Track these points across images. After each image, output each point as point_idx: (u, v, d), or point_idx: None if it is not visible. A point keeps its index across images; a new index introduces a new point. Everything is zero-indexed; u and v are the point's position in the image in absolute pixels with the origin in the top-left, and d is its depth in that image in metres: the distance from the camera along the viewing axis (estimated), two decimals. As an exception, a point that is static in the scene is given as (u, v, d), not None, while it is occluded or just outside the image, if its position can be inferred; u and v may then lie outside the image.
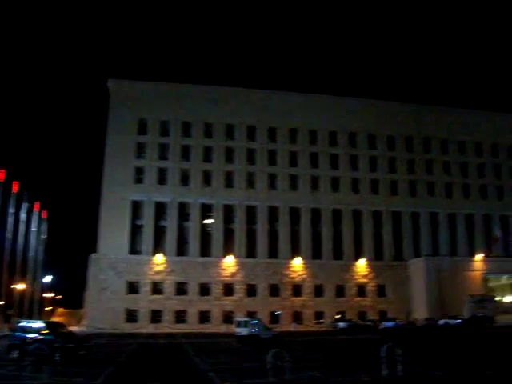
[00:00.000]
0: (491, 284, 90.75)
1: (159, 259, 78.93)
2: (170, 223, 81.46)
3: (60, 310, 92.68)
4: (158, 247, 79.93)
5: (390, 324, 71.15)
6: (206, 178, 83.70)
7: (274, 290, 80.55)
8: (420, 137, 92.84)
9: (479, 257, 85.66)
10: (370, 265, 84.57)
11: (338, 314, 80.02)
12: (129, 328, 69.83)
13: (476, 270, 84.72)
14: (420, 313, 79.17)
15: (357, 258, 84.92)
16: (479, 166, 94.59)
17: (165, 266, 78.85)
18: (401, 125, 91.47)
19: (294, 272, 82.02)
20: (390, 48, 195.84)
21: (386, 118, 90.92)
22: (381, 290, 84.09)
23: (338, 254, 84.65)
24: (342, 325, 71.95)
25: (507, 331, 54.61)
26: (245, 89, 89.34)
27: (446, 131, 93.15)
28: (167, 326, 72.14)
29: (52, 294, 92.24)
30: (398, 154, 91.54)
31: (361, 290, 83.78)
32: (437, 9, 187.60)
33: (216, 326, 72.92)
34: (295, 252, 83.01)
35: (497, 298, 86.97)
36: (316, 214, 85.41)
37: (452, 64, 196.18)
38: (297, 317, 79.21)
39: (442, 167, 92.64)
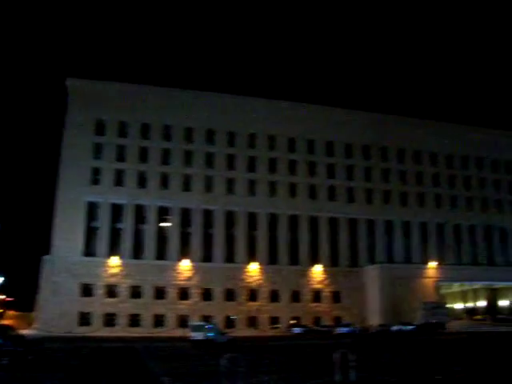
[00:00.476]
0: (443, 291, 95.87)
1: (114, 262, 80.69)
2: (126, 226, 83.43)
3: (11, 312, 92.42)
4: (113, 250, 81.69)
5: (344, 330, 73.62)
6: (164, 181, 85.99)
7: (230, 295, 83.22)
8: (377, 145, 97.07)
9: (432, 264, 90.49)
10: (325, 271, 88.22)
11: (293, 319, 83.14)
12: (82, 331, 70.99)
13: (429, 278, 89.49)
14: (374, 319, 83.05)
15: (313, 263, 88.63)
16: (434, 176, 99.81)
17: (120, 268, 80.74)
18: (359, 133, 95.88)
19: (250, 277, 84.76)
20: (349, 55, 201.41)
21: (344, 125, 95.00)
22: (336, 296, 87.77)
23: (294, 259, 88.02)
24: (297, 330, 75.69)
25: (457, 337, 58.59)
26: (205, 92, 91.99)
27: (403, 141, 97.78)
28: (121, 330, 73.79)
29: (3, 296, 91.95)
30: (356, 161, 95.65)
31: (316, 295, 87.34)
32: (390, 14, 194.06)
33: (171, 330, 74.58)
34: (252, 257, 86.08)
35: (448, 305, 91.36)
36: (273, 220, 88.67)
37: (411, 74, 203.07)
38: (252, 322, 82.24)
39: (398, 176, 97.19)
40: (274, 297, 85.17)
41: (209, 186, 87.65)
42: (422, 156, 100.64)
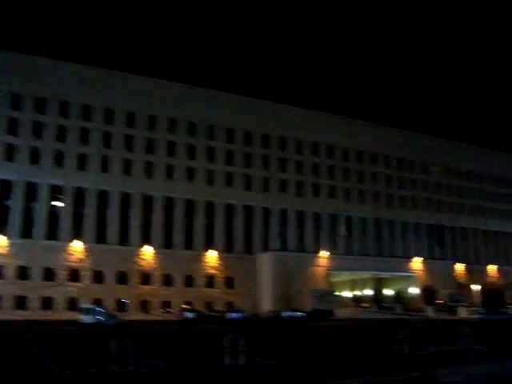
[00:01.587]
0: (333, 280, 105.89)
1: (1, 241, 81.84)
2: (15, 203, 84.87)
3: None
4: (0, 229, 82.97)
5: (236, 315, 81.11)
6: (58, 159, 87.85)
7: (123, 278, 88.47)
8: (277, 135, 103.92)
9: (324, 254, 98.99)
10: (220, 256, 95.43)
11: (186, 303, 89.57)
12: (-36, 314, 72.16)
13: (320, 266, 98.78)
14: (266, 305, 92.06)
15: (208, 249, 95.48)
16: (330, 168, 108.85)
17: (7, 248, 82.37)
18: (259, 121, 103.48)
19: (144, 260, 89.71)
20: (249, 43, 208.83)
21: (245, 113, 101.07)
22: (229, 282, 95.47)
23: (189, 244, 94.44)
24: (189, 315, 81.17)
25: (343, 324, 66.56)
26: (105, 70, 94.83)
27: (302, 132, 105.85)
28: (6, 313, 75.70)
29: None
30: (255, 149, 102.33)
31: (210, 280, 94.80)
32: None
33: (60, 313, 78.42)
34: (146, 240, 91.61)
35: (337, 293, 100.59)
36: (169, 204, 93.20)
37: (316, 67, 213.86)
38: (145, 306, 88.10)
39: (295, 166, 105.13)
40: (168, 281, 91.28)
41: (105, 167, 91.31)
42: (320, 148, 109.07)
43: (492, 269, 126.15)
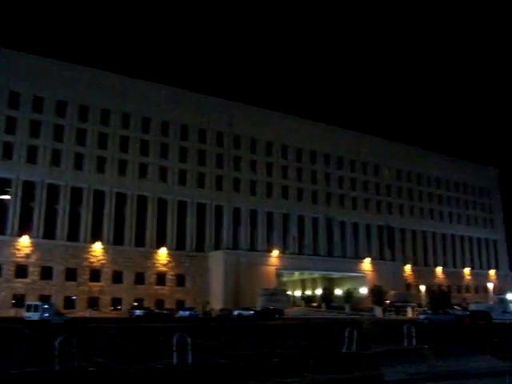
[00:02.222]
0: (284, 279, 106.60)
1: None
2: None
3: None
4: None
5: (186, 313, 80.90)
6: (7, 151, 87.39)
7: (71, 274, 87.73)
8: (231, 133, 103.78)
9: (275, 253, 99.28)
10: (171, 254, 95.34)
11: (136, 301, 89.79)
12: None
13: (272, 265, 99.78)
14: (217, 303, 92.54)
15: (159, 246, 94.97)
16: (283, 168, 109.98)
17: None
18: (212, 119, 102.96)
19: (94, 257, 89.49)
20: (209, 41, 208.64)
21: (200, 110, 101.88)
22: (180, 280, 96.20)
23: (140, 241, 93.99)
24: (138, 312, 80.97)
25: (292, 322, 67.64)
26: (54, 60, 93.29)
27: (255, 131, 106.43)
28: None
29: None
30: (208, 147, 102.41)
31: (160, 278, 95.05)
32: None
33: (5, 310, 76.65)
34: (97, 236, 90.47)
35: (288, 292, 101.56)
36: (121, 200, 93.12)
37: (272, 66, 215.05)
38: (93, 303, 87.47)
39: (248, 165, 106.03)
40: (118, 278, 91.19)
41: (56, 160, 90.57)
42: (273, 148, 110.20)
43: (439, 270, 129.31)
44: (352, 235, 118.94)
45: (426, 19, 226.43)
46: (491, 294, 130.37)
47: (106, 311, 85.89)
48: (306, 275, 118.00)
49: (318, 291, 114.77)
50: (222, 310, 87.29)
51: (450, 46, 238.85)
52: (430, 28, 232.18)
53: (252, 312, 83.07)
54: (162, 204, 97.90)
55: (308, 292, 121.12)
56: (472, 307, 75.17)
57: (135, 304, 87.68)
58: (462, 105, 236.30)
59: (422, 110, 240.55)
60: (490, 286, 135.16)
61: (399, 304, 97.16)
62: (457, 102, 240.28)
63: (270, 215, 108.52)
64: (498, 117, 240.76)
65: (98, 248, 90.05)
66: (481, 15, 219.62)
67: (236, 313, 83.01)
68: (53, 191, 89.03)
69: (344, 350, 26.46)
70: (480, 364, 22.30)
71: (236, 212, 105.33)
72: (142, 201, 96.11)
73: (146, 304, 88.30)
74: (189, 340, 21.72)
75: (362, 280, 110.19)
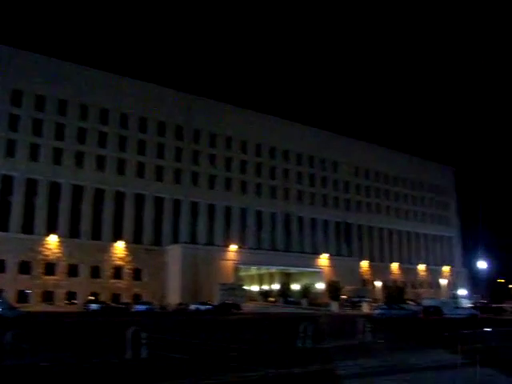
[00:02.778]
0: (242, 273, 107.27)
1: None
2: None
3: None
4: None
5: (142, 307, 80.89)
6: None
7: (26, 268, 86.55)
8: (190, 127, 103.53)
9: (233, 248, 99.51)
10: (128, 247, 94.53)
11: (92, 295, 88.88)
12: None
13: (229, 260, 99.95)
14: (174, 298, 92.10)
15: (116, 239, 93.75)
16: (242, 163, 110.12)
17: None
18: (173, 112, 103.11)
19: (49, 249, 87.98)
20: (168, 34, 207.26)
21: (159, 103, 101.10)
22: (137, 274, 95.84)
23: (97, 234, 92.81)
24: (94, 306, 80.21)
25: (248, 317, 68.00)
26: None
27: (215, 125, 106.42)
28: None
29: None
30: (168, 140, 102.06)
31: (117, 272, 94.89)
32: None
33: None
34: (52, 229, 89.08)
35: (245, 287, 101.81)
36: (78, 192, 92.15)
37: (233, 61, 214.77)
38: (48, 296, 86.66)
39: (207, 159, 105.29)
40: (73, 271, 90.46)
41: (10, 151, 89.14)
42: (233, 142, 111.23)
43: (395, 266, 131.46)
44: (310, 231, 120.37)
45: (391, 15, 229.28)
46: (445, 289, 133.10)
47: (61, 305, 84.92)
48: (264, 270, 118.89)
49: (276, 286, 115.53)
50: (179, 304, 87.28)
51: (408, 46, 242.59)
52: (389, 22, 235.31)
53: (209, 306, 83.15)
54: (119, 197, 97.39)
55: (265, 287, 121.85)
56: (425, 303, 76.65)
57: (91, 298, 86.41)
58: (421, 104, 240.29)
59: (382, 108, 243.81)
60: (444, 282, 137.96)
61: (355, 299, 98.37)
62: (415, 102, 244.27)
63: (228, 210, 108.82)
64: (454, 116, 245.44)
65: (53, 241, 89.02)
66: (441, 15, 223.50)
67: (193, 307, 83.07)
68: (6, 183, 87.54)
69: (299, 345, 26.68)
70: (431, 358, 22.86)
71: (194, 206, 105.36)
72: (99, 193, 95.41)
73: (102, 298, 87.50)
74: (143, 334, 21.67)
75: (319, 275, 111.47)
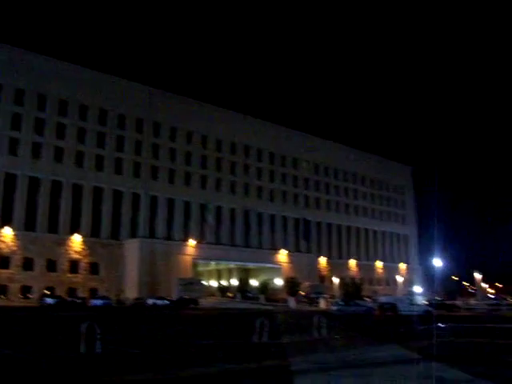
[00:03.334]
0: (201, 268, 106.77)
1: None
2: None
3: None
4: None
5: (99, 302, 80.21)
6: None
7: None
8: (151, 120, 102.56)
9: (192, 242, 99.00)
10: (85, 241, 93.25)
11: (47, 289, 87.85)
12: None
13: (188, 255, 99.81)
14: (131, 292, 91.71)
15: (73, 233, 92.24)
16: (203, 158, 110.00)
17: None
18: (133, 105, 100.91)
19: (3, 242, 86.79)
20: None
21: (119, 95, 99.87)
22: (94, 268, 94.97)
23: (53, 227, 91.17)
24: (49, 301, 79.28)
25: (205, 312, 68.49)
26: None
27: (175, 119, 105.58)
28: None
29: None
30: (127, 133, 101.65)
31: (74, 266, 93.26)
32: None
33: None
34: (7, 222, 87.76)
35: (204, 282, 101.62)
36: (34, 184, 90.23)
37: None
38: (2, 291, 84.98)
39: (167, 153, 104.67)
40: (28, 265, 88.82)
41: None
42: (193, 137, 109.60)
43: (353, 263, 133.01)
44: (269, 227, 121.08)
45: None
46: (401, 286, 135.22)
47: (15, 299, 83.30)
48: (223, 265, 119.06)
49: (234, 281, 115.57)
50: (136, 299, 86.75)
51: (366, 44, 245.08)
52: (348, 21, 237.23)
53: (167, 301, 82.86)
54: (77, 190, 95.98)
55: (224, 282, 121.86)
56: (381, 299, 77.71)
57: (46, 292, 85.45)
58: (380, 104, 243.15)
59: (343, 106, 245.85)
60: (400, 279, 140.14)
61: (313, 295, 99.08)
62: (375, 101, 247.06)
63: (187, 204, 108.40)
64: (413, 116, 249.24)
65: (7, 233, 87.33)
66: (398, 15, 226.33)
67: (150, 302, 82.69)
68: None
69: (255, 340, 26.77)
70: (386, 353, 23.25)
71: (153, 200, 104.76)
72: (56, 186, 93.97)
73: (57, 292, 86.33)
74: (98, 329, 21.51)
75: (277, 271, 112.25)
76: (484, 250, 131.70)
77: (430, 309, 62.87)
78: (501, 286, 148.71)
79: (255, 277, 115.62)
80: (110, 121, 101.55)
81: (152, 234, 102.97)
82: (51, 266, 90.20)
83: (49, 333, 32.94)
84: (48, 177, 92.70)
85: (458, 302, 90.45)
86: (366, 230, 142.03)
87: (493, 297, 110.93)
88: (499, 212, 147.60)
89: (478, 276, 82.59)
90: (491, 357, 21.81)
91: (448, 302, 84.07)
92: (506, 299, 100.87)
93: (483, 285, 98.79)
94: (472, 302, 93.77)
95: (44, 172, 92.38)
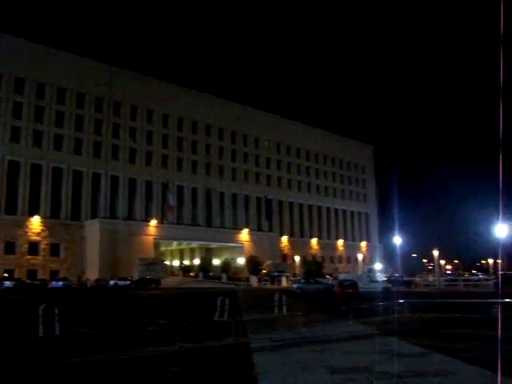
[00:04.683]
0: (163, 249, 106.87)
1: None
2: None
3: None
4: None
5: (59, 284, 79.85)
6: None
7: None
8: (110, 99, 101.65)
9: (153, 223, 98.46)
10: (45, 222, 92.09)
11: (6, 272, 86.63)
12: None
13: (150, 235, 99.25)
14: (92, 274, 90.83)
15: (32, 214, 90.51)
16: (164, 137, 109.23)
17: None
18: (92, 83, 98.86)
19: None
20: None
21: (78, 73, 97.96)
22: (54, 249, 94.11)
23: (11, 208, 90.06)
24: (8, 284, 77.98)
25: (168, 292, 68.26)
26: None
27: (136, 98, 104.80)
28: None
29: None
30: (87, 112, 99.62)
31: (33, 247, 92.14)
32: None
33: None
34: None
35: (166, 262, 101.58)
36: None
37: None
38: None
39: (128, 132, 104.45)
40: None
41: None
42: (154, 116, 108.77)
43: (314, 241, 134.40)
44: (231, 206, 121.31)
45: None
46: (361, 264, 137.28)
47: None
48: (185, 245, 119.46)
49: (196, 261, 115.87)
50: (97, 280, 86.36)
51: (330, 21, 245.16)
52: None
53: (128, 282, 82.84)
54: (35, 170, 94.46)
55: (186, 262, 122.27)
56: (341, 277, 78.73)
57: (5, 275, 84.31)
58: (342, 82, 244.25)
59: (304, 85, 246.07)
60: (361, 257, 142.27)
61: (275, 274, 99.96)
62: (336, 79, 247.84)
63: (149, 184, 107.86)
64: (374, 96, 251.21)
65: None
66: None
67: (112, 283, 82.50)
68: None
69: (216, 319, 26.97)
70: (345, 329, 23.63)
71: (114, 180, 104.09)
72: (13, 166, 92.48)
73: (17, 275, 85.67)
74: (56, 311, 20.98)
75: (239, 250, 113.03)
76: (442, 228, 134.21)
77: (389, 285, 64.16)
78: (457, 262, 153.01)
79: (218, 256, 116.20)
80: (69, 100, 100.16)
81: (113, 215, 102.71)
82: (10, 248, 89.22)
83: (6, 316, 31.77)
84: (5, 157, 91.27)
85: (417, 279, 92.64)
86: (328, 209, 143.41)
87: (450, 273, 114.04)
88: (457, 190, 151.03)
89: (436, 253, 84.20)
90: (439, 330, 22.61)
91: (407, 279, 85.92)
92: (462, 275, 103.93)
93: (441, 262, 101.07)
94: (430, 278, 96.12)
95: (0, 152, 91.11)
